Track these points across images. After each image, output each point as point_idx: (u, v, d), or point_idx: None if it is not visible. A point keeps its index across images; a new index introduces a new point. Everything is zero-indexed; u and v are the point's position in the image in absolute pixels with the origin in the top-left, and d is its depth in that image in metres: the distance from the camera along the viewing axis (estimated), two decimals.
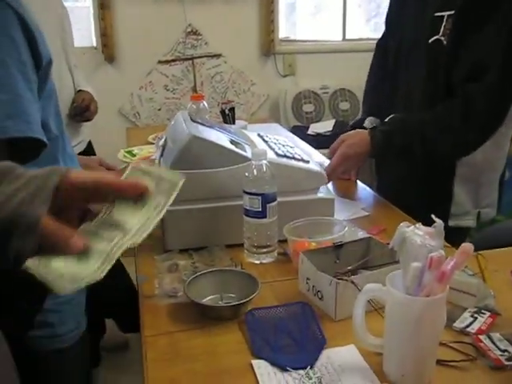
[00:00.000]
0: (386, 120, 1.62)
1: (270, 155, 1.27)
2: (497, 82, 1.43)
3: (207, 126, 1.33)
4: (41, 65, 0.99)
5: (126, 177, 0.67)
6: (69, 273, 0.59)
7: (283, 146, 1.39)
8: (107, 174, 0.66)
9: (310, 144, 3.07)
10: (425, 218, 0.80)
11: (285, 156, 1.29)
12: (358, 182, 1.79)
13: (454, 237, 1.22)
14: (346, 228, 1.19)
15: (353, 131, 1.65)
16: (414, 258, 0.75)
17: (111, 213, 0.64)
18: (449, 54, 1.47)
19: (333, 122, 3.38)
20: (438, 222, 0.79)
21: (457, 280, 0.99)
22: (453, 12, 1.45)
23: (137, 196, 0.64)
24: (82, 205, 0.65)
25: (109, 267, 0.59)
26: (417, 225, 0.79)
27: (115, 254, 0.60)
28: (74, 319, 1.24)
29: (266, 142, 1.40)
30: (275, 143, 1.39)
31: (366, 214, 1.50)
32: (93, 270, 0.59)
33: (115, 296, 2.18)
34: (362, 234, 1.30)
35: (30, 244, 0.56)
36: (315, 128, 3.34)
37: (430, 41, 1.52)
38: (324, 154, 2.26)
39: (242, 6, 3.42)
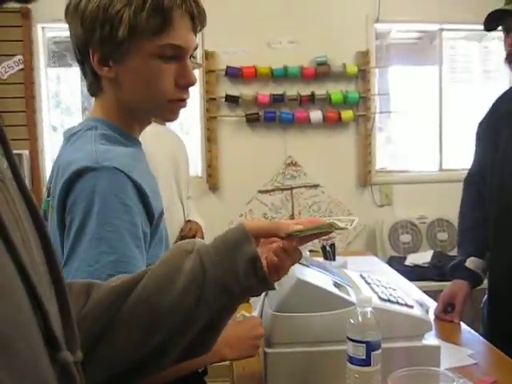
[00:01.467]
0: None
1: (374, 299, 1.27)
2: None
3: (311, 267, 1.37)
4: (153, 220, 1.07)
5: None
6: None
7: (386, 288, 1.39)
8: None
9: (407, 275, 3.04)
10: None
11: (388, 300, 1.29)
12: (462, 324, 1.74)
13: None
14: (455, 382, 1.14)
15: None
16: None
17: None
18: None
19: (431, 252, 3.33)
20: None
21: None
22: None
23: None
24: None
25: None
26: None
27: None
28: None
29: (368, 283, 1.41)
30: (378, 285, 1.40)
31: (474, 361, 1.43)
32: None
33: None
34: None
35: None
36: (413, 259, 3.29)
37: None
38: (421, 288, 2.24)
39: (340, 138, 3.58)
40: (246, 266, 0.76)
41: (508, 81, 3.83)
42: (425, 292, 2.67)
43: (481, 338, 1.63)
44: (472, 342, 1.58)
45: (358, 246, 3.59)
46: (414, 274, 3.13)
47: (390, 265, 3.25)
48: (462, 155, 3.87)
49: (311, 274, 1.31)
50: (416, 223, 3.56)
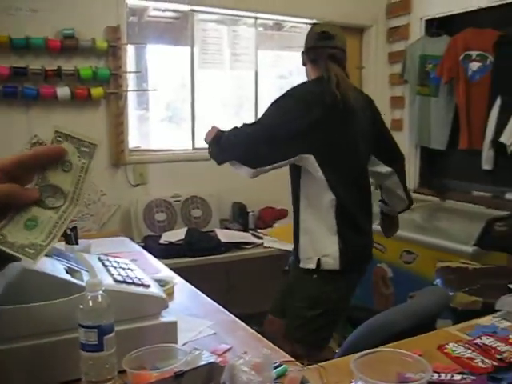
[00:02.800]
0: None
1: (109, 282, 1.24)
2: None
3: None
4: None
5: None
6: (27, 243, 0.73)
7: (124, 269, 1.36)
8: (26, 151, 0.74)
9: (163, 253, 3.08)
10: None
11: (124, 282, 1.26)
12: (204, 296, 1.81)
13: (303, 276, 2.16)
14: (189, 354, 1.17)
15: None
16: None
17: (45, 179, 0.74)
18: None
19: (185, 229, 3.41)
20: (266, 352, 0.81)
21: None
22: None
23: (61, 160, 0.74)
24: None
25: (59, 235, 0.73)
26: (246, 356, 0.80)
27: (63, 225, 0.73)
28: None
29: (105, 266, 1.36)
30: (115, 267, 1.36)
31: (213, 332, 1.49)
32: (42, 238, 0.73)
33: None
34: (207, 357, 1.28)
35: None
36: (167, 237, 3.33)
37: None
38: (175, 265, 2.29)
39: (91, 116, 3.41)
40: None
41: (254, 66, 4.09)
42: (179, 268, 2.74)
43: (220, 308, 1.71)
44: (212, 313, 1.65)
45: (113, 226, 3.51)
46: (168, 251, 3.19)
47: (145, 244, 3.26)
48: None
49: (40, 261, 1.22)
50: (171, 201, 3.61)
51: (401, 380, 1.03)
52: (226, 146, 2.12)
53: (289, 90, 2.19)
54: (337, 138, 2.11)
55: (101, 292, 1.11)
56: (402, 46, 4.29)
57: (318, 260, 2.15)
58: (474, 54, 3.69)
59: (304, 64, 2.31)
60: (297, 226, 2.25)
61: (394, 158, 2.38)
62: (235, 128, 2.14)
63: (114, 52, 3.43)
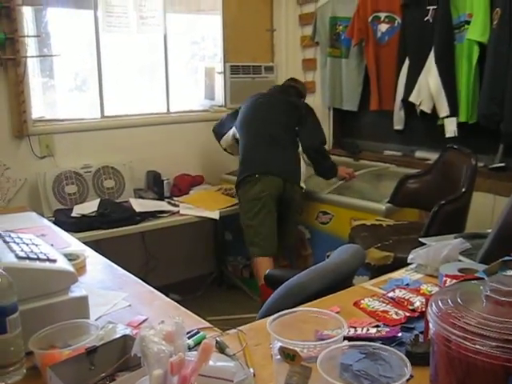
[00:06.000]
0: None
1: (10, 259, 1.16)
2: None
3: None
4: None
5: None
6: None
7: (27, 245, 1.27)
8: None
9: (75, 227, 2.95)
10: None
11: (27, 258, 1.18)
12: (118, 268, 1.75)
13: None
14: (102, 328, 1.12)
15: None
16: (155, 365, 0.72)
17: None
18: None
19: (97, 201, 3.28)
20: (178, 320, 0.77)
21: (212, 367, 0.98)
22: None
23: None
24: None
25: None
26: (157, 327, 0.76)
27: None
28: None
29: (7, 242, 1.27)
30: (18, 243, 1.27)
31: (128, 304, 1.44)
32: None
33: None
34: (121, 330, 1.24)
35: None
36: (79, 209, 3.20)
37: None
38: (89, 237, 2.21)
39: None
40: None
41: (163, 30, 3.95)
42: (92, 242, 2.64)
43: (136, 279, 1.66)
44: (127, 285, 1.59)
45: (20, 202, 3.31)
46: (81, 224, 3.06)
47: (56, 218, 3.11)
48: (122, 102, 3.90)
49: None
50: (81, 173, 3.46)
51: (318, 337, 1.03)
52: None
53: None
54: None
55: (1, 270, 1.04)
56: (313, 8, 4.28)
57: None
58: (382, 15, 3.74)
59: None
60: None
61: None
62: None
63: (7, 14, 3.16)
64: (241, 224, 3.33)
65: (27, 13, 3.37)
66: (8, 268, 1.06)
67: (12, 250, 1.21)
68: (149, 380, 0.73)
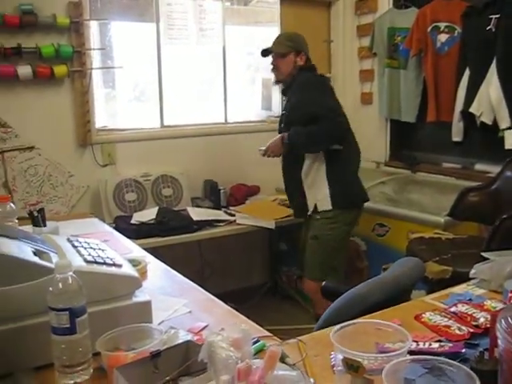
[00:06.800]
0: None
1: (79, 263, 1.20)
2: None
3: (10, 237, 1.22)
4: None
5: None
6: None
7: (94, 250, 1.32)
8: None
9: (134, 234, 3.03)
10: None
11: (95, 262, 1.22)
12: (178, 275, 1.79)
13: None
14: (165, 333, 1.15)
15: None
16: (223, 371, 0.74)
17: None
18: None
19: (156, 209, 3.36)
20: (244, 327, 0.79)
21: (276, 376, 0.99)
22: None
23: None
24: None
25: None
26: (224, 333, 0.78)
27: None
28: None
29: (75, 247, 1.32)
30: (86, 248, 1.32)
31: (188, 310, 1.47)
32: None
33: None
34: (183, 336, 1.26)
35: None
36: (138, 217, 3.28)
37: None
38: (147, 244, 2.27)
39: (54, 96, 3.32)
40: None
41: (222, 41, 4.02)
42: (151, 248, 2.70)
43: (195, 286, 1.69)
44: (186, 292, 1.62)
45: (83, 208, 3.43)
46: (140, 231, 3.14)
47: (116, 225, 3.20)
48: (181, 112, 3.98)
49: (6, 244, 1.17)
50: (140, 181, 3.55)
51: (379, 350, 1.02)
52: None
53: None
54: None
55: (71, 273, 1.08)
56: (370, 19, 4.26)
57: None
58: (442, 25, 3.68)
59: None
60: None
61: None
62: None
63: (76, 28, 3.31)
64: (325, 245, 3.04)
65: (93, 27, 3.50)
66: (77, 271, 1.10)
67: (80, 255, 1.26)
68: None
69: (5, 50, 3.06)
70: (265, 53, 3.16)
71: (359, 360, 0.84)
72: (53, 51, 3.19)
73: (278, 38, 3.21)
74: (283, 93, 3.29)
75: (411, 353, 1.06)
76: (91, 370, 1.12)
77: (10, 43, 3.10)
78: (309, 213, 3.09)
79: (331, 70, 4.53)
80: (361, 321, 1.09)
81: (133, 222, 3.23)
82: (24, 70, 3.12)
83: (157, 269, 1.86)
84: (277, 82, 3.22)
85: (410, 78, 3.96)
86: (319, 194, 3.02)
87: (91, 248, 1.33)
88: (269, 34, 4.30)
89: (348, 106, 4.45)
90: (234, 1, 4.15)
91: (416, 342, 1.18)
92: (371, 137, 4.18)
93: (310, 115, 2.89)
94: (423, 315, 1.35)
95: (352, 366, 0.85)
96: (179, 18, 3.87)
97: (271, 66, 3.14)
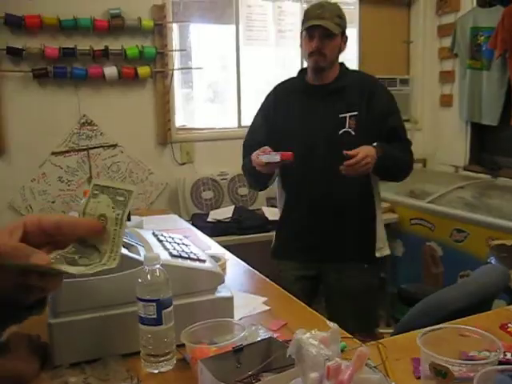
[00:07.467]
0: None
1: (165, 256, 1.24)
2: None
3: None
4: None
5: (87, 200, 0.70)
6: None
7: (178, 244, 1.36)
8: (66, 216, 0.69)
9: (210, 231, 3.09)
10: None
11: (180, 256, 1.26)
12: (256, 272, 1.81)
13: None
14: (246, 329, 1.16)
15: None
16: (312, 368, 0.75)
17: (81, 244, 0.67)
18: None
19: (232, 207, 3.41)
20: (334, 326, 0.79)
21: (360, 377, 0.98)
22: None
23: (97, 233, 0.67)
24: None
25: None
26: (313, 331, 0.79)
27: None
28: None
29: (160, 241, 1.36)
30: (170, 242, 1.36)
31: (267, 308, 1.49)
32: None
33: None
34: (263, 333, 1.28)
35: None
36: (215, 215, 3.35)
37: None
38: (223, 242, 2.30)
39: (138, 95, 3.45)
40: None
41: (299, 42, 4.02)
42: (226, 246, 2.74)
43: (274, 284, 1.70)
44: (265, 290, 1.64)
45: (160, 205, 3.54)
46: (216, 229, 3.19)
47: (193, 222, 3.28)
48: None
49: None
50: (217, 180, 3.62)
51: (465, 358, 1.00)
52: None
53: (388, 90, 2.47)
54: None
55: (158, 266, 1.12)
56: (452, 19, 4.14)
57: None
58: None
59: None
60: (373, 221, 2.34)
61: None
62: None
63: (159, 31, 3.43)
64: None
65: (174, 29, 3.61)
66: (164, 265, 1.14)
67: (166, 249, 1.30)
68: (303, 382, 0.75)
69: (94, 52, 3.21)
70: (311, 30, 2.24)
71: (448, 366, 0.83)
72: (137, 53, 3.32)
73: (322, 6, 2.28)
74: (330, 91, 2.34)
75: (499, 363, 1.03)
76: (175, 361, 1.16)
77: (99, 46, 3.25)
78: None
79: (410, 71, 4.44)
80: (447, 326, 1.06)
81: (209, 219, 3.30)
82: (110, 71, 3.26)
83: (235, 266, 1.89)
84: (316, 69, 2.32)
85: (493, 80, 3.82)
86: None
87: (175, 243, 1.37)
88: (348, 35, 4.26)
89: (426, 108, 4.36)
90: (313, 2, 4.14)
91: (503, 352, 1.14)
92: (450, 140, 4.07)
93: (388, 131, 2.27)
94: (509, 324, 1.31)
95: (440, 372, 0.83)
96: (259, 20, 3.91)
97: (310, 48, 2.28)
